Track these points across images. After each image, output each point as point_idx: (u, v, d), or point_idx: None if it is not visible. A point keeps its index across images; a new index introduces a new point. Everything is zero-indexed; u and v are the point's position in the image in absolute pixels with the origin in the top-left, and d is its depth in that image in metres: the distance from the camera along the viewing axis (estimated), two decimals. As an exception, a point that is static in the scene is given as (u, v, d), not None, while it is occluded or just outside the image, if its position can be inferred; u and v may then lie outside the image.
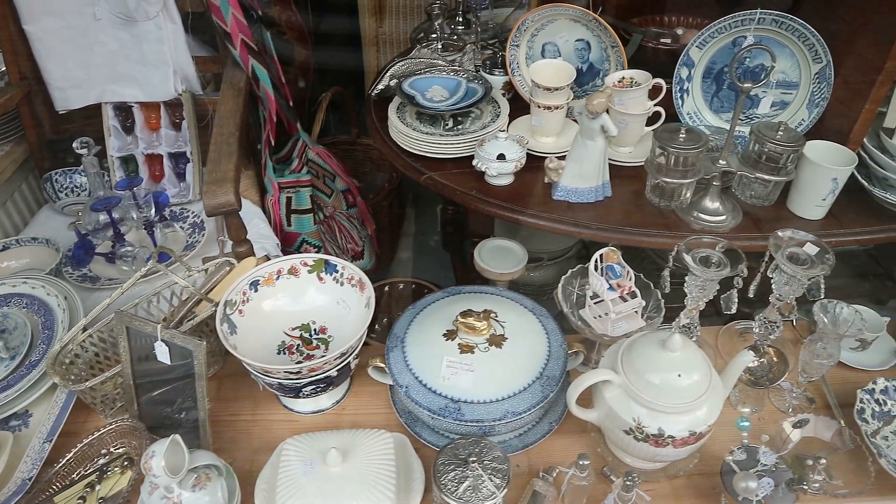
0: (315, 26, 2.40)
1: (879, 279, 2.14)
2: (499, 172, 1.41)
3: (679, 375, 1.00)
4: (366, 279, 1.19)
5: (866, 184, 1.39)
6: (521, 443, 1.14)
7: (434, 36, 1.84)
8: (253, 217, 1.67)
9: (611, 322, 1.19)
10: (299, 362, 1.20)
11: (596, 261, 1.20)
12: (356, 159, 2.25)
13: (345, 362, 1.12)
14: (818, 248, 1.16)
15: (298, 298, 1.23)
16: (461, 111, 1.52)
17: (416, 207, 2.45)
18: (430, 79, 1.59)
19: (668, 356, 1.01)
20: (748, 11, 1.39)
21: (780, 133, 1.32)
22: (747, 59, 1.45)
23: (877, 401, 1.19)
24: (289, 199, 1.69)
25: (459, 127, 1.53)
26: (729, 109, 1.52)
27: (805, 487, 1.00)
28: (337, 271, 1.23)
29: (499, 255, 1.63)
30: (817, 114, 1.45)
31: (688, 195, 1.38)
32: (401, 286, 1.88)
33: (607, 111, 1.29)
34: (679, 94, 1.50)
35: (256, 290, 1.20)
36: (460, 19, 1.94)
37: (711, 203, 1.38)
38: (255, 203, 1.71)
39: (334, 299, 1.23)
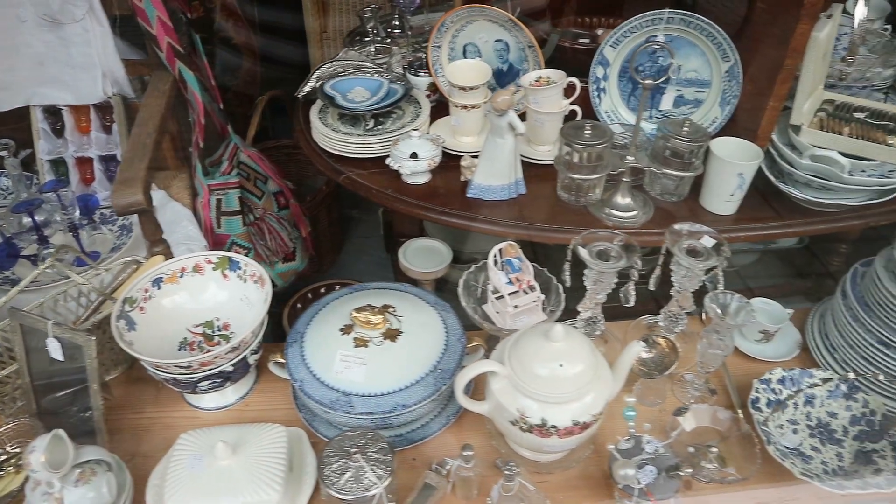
0: (261, 27, 2.41)
1: (820, 278, 2.15)
2: (413, 171, 1.43)
3: (561, 366, 1.01)
4: (266, 275, 1.20)
5: (773, 179, 1.41)
6: (418, 436, 1.15)
7: (368, 39, 1.86)
8: (182, 219, 1.67)
9: (509, 316, 1.20)
10: (202, 359, 1.21)
11: (495, 256, 1.21)
12: (299, 163, 2.27)
13: (239, 357, 1.12)
14: (715, 241, 1.18)
15: (202, 295, 1.24)
16: (382, 111, 1.54)
17: (361, 210, 2.47)
18: (352, 80, 1.61)
19: (551, 347, 1.02)
20: (657, 11, 1.42)
21: (686, 129, 1.33)
22: (660, 58, 1.47)
23: (773, 390, 1.20)
24: (219, 201, 1.69)
25: (380, 127, 1.54)
26: (645, 108, 1.53)
27: (690, 473, 1.00)
28: (240, 268, 1.24)
29: (425, 256, 1.64)
30: (729, 111, 1.47)
31: (598, 191, 1.40)
32: (337, 287, 1.88)
33: (522, 113, 1.31)
34: (596, 93, 1.52)
35: (159, 288, 1.21)
36: (396, 22, 1.95)
37: (622, 199, 1.40)
38: (187, 205, 1.72)
39: (237, 296, 1.24)
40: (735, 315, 1.13)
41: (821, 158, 1.36)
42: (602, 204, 1.40)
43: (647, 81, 1.27)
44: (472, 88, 1.46)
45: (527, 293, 1.21)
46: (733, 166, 1.35)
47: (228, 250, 1.73)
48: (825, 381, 1.21)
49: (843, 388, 1.21)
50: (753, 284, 2.16)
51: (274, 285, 1.82)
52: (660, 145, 1.36)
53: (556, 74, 1.47)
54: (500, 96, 1.29)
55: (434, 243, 1.65)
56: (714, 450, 1.10)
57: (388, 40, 1.87)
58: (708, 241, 1.18)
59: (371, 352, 1.12)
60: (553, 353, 1.01)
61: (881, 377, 1.16)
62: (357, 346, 1.13)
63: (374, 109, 1.51)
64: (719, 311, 1.13)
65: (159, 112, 1.53)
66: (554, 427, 1.01)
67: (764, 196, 1.45)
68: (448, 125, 1.57)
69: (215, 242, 1.72)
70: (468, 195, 1.43)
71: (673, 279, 1.20)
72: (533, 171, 1.48)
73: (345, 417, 1.08)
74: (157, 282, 1.21)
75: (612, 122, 1.53)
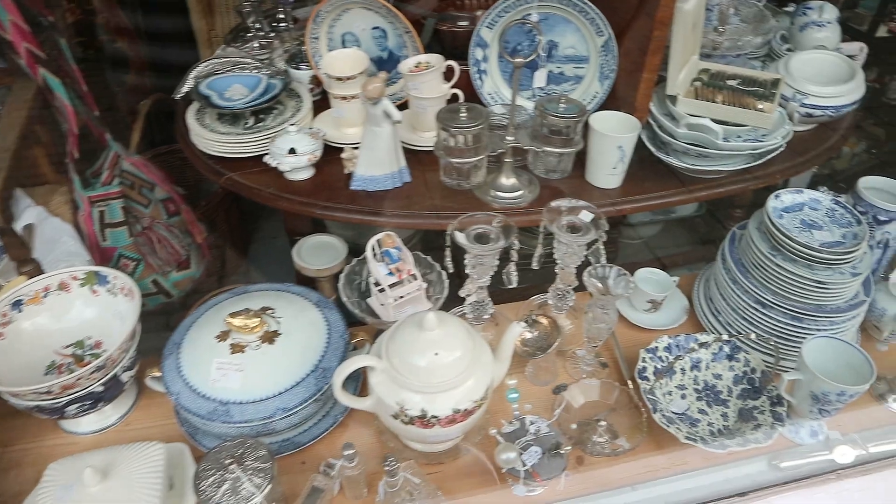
0: (147, 30, 2.31)
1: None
2: (293, 167, 1.38)
3: (437, 354, 0.99)
4: (135, 288, 1.15)
5: (654, 150, 1.43)
6: (305, 438, 1.12)
7: (250, 35, 1.80)
8: (62, 235, 1.59)
9: (392, 307, 1.18)
10: (74, 381, 1.14)
11: (373, 247, 1.19)
12: (194, 167, 2.18)
13: (108, 376, 1.07)
14: (593, 215, 1.18)
15: (69, 314, 1.17)
16: (261, 108, 1.49)
17: (267, 210, 2.40)
18: (230, 78, 1.55)
19: (426, 336, 1.00)
20: (530, -11, 1.41)
21: (563, 106, 1.33)
22: (537, 36, 1.47)
23: (660, 358, 1.22)
24: (101, 213, 1.61)
25: (260, 125, 1.49)
26: (528, 87, 1.53)
27: (582, 448, 1.00)
28: (109, 282, 1.18)
29: (320, 252, 1.60)
30: (608, 86, 1.48)
31: (481, 174, 1.39)
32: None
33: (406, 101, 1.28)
34: (477, 75, 1.51)
35: (20, 311, 1.14)
36: (282, 16, 1.90)
37: (507, 180, 1.39)
38: (70, 221, 1.64)
39: (109, 312, 1.18)
40: (615, 287, 1.14)
41: (696, 127, 1.38)
42: (487, 186, 1.39)
43: (517, 60, 1.26)
44: (349, 78, 1.42)
45: (409, 282, 1.19)
46: (612, 139, 1.35)
47: (116, 263, 1.66)
48: (709, 344, 1.23)
49: (726, 349, 1.23)
50: (661, 254, 2.20)
51: (170, 295, 1.77)
52: (538, 123, 1.35)
53: (434, 59, 1.45)
54: (370, 84, 1.26)
55: (329, 239, 1.61)
56: (603, 423, 1.11)
57: (273, 35, 1.82)
58: (586, 216, 1.18)
59: (248, 357, 1.08)
60: (428, 342, 1.00)
61: (753, 336, 1.18)
62: (234, 352, 1.08)
63: (251, 106, 1.46)
64: (599, 285, 1.14)
65: (20, 123, 1.44)
66: (435, 417, 0.99)
67: (648, 167, 1.46)
68: (332, 118, 1.53)
69: (101, 257, 1.64)
70: (352, 187, 1.40)
71: (555, 256, 1.20)
72: (418, 158, 1.45)
73: (224, 427, 1.04)
74: (17, 304, 1.13)
75: (496, 104, 1.52)
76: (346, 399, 1.04)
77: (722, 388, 1.22)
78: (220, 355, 1.08)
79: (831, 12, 1.76)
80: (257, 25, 1.81)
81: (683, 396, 1.21)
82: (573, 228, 1.18)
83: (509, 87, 1.54)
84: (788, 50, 1.82)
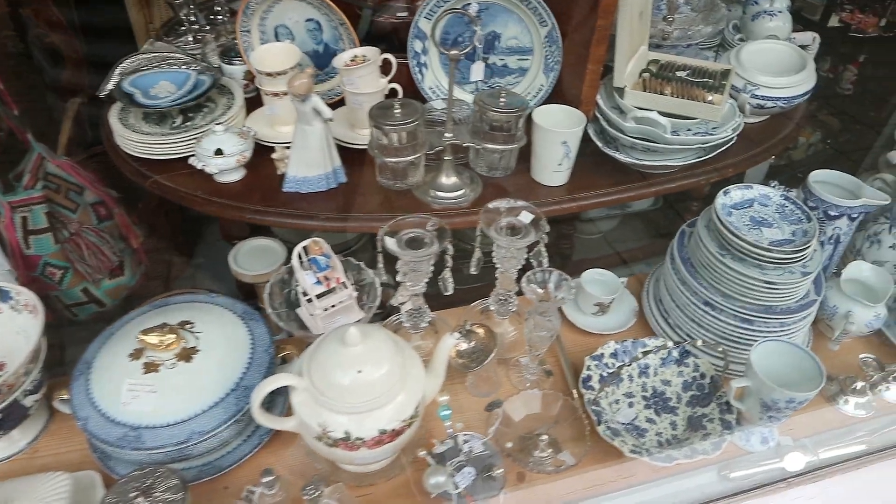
0: (82, 25, 2.19)
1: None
2: (220, 169, 1.30)
3: (360, 371, 0.92)
4: (38, 304, 1.06)
5: (601, 145, 1.37)
6: (228, 461, 1.04)
7: (184, 28, 1.71)
8: (-19, 244, 1.49)
9: (320, 318, 1.11)
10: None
11: (299, 255, 1.11)
12: (134, 167, 2.09)
13: (7, 401, 0.98)
14: (533, 216, 1.12)
15: (-31, 334, 1.08)
16: (189, 106, 1.40)
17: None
18: (157, 74, 1.46)
19: (348, 352, 0.93)
20: (468, -23, 1.34)
21: (503, 100, 1.27)
22: (478, 28, 1.40)
23: (606, 365, 1.16)
24: (24, 220, 1.51)
25: (188, 124, 1.40)
26: (471, 81, 1.46)
27: (524, 465, 0.94)
28: (12, 298, 1.09)
29: (258, 257, 1.52)
30: (554, 78, 1.42)
31: (419, 173, 1.32)
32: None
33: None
34: (417, 69, 1.44)
35: (-87, 332, 1.05)
36: (218, 8, 1.80)
37: (447, 179, 1.32)
38: (-10, 228, 1.54)
39: (13, 330, 1.09)
40: (556, 292, 1.08)
41: (643, 120, 1.33)
42: (426, 186, 1.32)
43: (452, 52, 1.19)
44: (279, 73, 1.34)
45: (339, 291, 1.12)
46: (556, 135, 1.29)
47: (42, 272, 1.57)
48: (657, 349, 1.18)
49: (675, 354, 1.18)
50: (620, 248, 2.15)
51: (102, 304, 1.67)
52: (478, 119, 1.29)
53: (371, 52, 1.38)
54: (296, 80, 1.18)
55: (268, 243, 1.54)
56: (544, 437, 1.05)
57: (208, 28, 1.73)
58: (526, 217, 1.12)
59: (162, 377, 1.00)
60: (351, 359, 0.93)
61: (699, 342, 1.13)
62: (147, 371, 1.00)
63: (177, 104, 1.37)
64: (539, 290, 1.08)
65: (-75, 126, 1.33)
66: (360, 439, 0.92)
67: (597, 162, 1.41)
68: (265, 115, 1.45)
69: (26, 265, 1.54)
70: (284, 189, 1.32)
71: (494, 260, 1.14)
72: (357, 157, 1.38)
73: (135, 454, 0.96)
74: (-89, 324, 1.04)
75: (437, 98, 1.45)
76: (267, 420, 0.97)
77: (671, 394, 1.17)
78: (132, 376, 1.00)
79: (782, 1, 1.72)
80: (192, 18, 1.72)
81: (631, 405, 1.15)
82: (514, 230, 1.12)
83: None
84: (741, 40, 1.77)
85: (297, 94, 1.19)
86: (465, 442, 0.97)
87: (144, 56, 1.52)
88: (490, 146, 1.28)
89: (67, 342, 1.46)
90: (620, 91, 1.37)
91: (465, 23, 1.39)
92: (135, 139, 1.36)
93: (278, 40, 1.47)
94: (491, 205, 1.12)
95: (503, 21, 1.38)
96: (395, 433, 0.94)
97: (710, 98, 1.36)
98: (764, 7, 1.72)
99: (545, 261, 1.14)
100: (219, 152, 1.29)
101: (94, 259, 1.59)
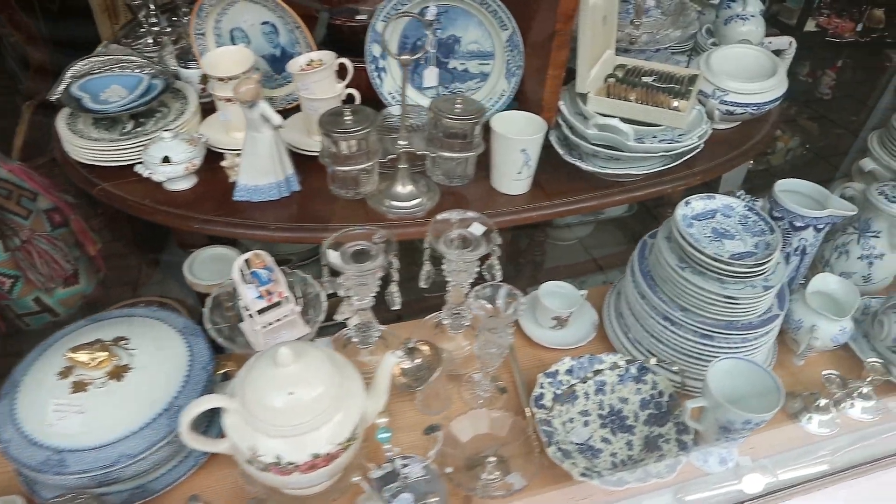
0: (49, 31, 2.16)
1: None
2: (168, 177, 1.26)
3: (291, 393, 0.88)
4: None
5: (562, 152, 1.33)
6: (160, 485, 1.00)
7: (143, 30, 1.67)
8: (-72, 252, 1.45)
9: (262, 334, 1.07)
10: None
11: (240, 268, 1.07)
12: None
13: (-74, 423, 0.94)
14: (485, 228, 1.08)
15: None
16: (140, 111, 1.36)
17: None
18: (108, 78, 1.42)
19: (280, 372, 0.89)
20: (426, -21, 1.30)
21: (459, 107, 1.23)
22: (438, 31, 1.36)
23: (560, 382, 1.12)
24: (-28, 227, 1.48)
25: (139, 129, 1.36)
26: (431, 86, 1.42)
27: (469, 489, 0.90)
28: (-60, 313, 1.05)
29: (215, 266, 1.47)
30: (515, 83, 1.38)
31: (373, 182, 1.28)
32: (142, 305, 1.70)
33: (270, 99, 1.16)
34: (376, 74, 1.40)
35: None
36: (180, 11, 1.76)
37: (403, 187, 1.28)
38: (-60, 235, 1.49)
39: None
40: (506, 308, 1.04)
41: (605, 127, 1.29)
42: (381, 195, 1.28)
43: (403, 57, 1.15)
44: (231, 78, 1.30)
45: (281, 306, 1.08)
46: (515, 142, 1.25)
47: (-9, 282, 1.53)
48: (614, 365, 1.14)
49: (633, 370, 1.14)
50: (596, 255, 2.12)
51: (56, 314, 1.63)
52: (433, 125, 1.25)
53: (327, 56, 1.33)
54: (243, 85, 1.14)
55: (224, 251, 1.49)
56: (492, 459, 1.01)
57: (169, 30, 1.69)
58: (477, 229, 1.08)
59: (91, 396, 0.95)
60: (282, 380, 0.88)
61: (653, 361, 1.09)
62: (75, 391, 0.96)
63: (125, 109, 1.33)
64: (489, 306, 1.04)
65: None
66: (291, 464, 0.88)
67: (561, 170, 1.37)
68: (219, 121, 1.40)
69: (-25, 274, 1.50)
70: (234, 198, 1.28)
71: (444, 274, 1.10)
72: (312, 164, 1.33)
73: (58, 479, 0.92)
74: None
75: (397, 104, 1.40)
76: (197, 443, 0.93)
77: (629, 413, 1.13)
78: (59, 395, 0.96)
79: (755, 5, 1.68)
80: (152, 20, 1.68)
81: (586, 424, 1.11)
82: (465, 242, 1.08)
83: (412, 85, 1.43)
84: (714, 44, 1.74)
85: (244, 99, 1.14)
86: (405, 466, 0.93)
87: (98, 59, 1.48)
88: (445, 154, 1.24)
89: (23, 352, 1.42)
90: (584, 97, 1.33)
91: (426, 26, 1.35)
92: (82, 145, 1.32)
93: (234, 44, 1.43)
94: (440, 216, 1.08)
95: (463, 25, 1.34)
96: (331, 457, 0.90)
97: (675, 104, 1.32)
98: (737, 11, 1.68)
99: (498, 274, 1.11)
100: (166, 160, 1.24)
101: (45, 267, 1.55)
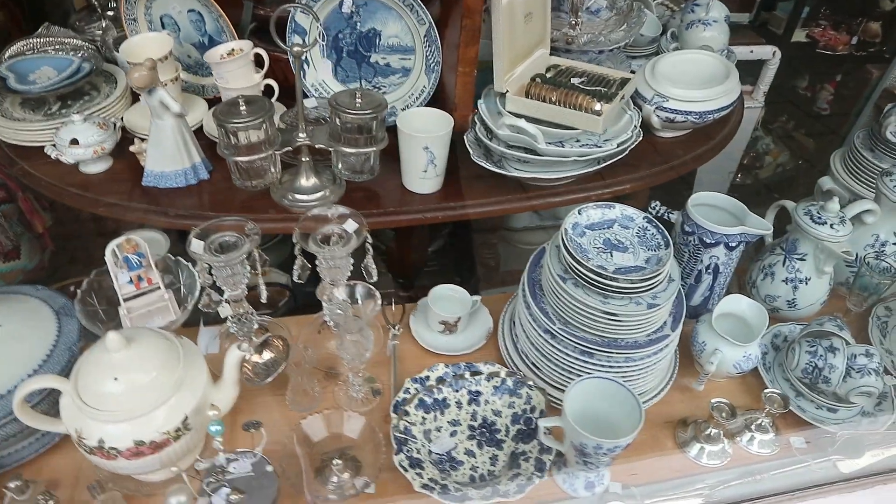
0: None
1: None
2: (77, 159, 1.27)
3: (116, 379, 0.87)
4: None
5: (471, 153, 1.29)
6: (10, 461, 1.01)
7: (98, 14, 1.70)
8: None
9: (130, 319, 1.07)
10: None
11: (113, 252, 1.07)
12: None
13: None
14: (357, 225, 1.05)
15: None
16: (68, 93, 1.38)
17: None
18: (40, 59, 1.44)
19: (108, 358, 0.88)
20: (344, -29, 1.28)
21: (360, 101, 1.20)
22: (358, 24, 1.33)
23: (429, 389, 1.08)
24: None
25: (65, 111, 1.38)
26: (354, 79, 1.40)
27: (236, 497, 0.87)
28: None
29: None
30: (435, 79, 1.34)
31: (272, 175, 1.26)
32: (73, 286, 1.73)
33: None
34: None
35: None
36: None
37: (307, 181, 1.26)
38: None
39: None
40: (365, 308, 1.01)
41: (515, 128, 1.24)
42: (285, 188, 1.27)
43: (294, 48, 1.13)
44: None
45: (152, 293, 1.07)
46: (418, 140, 1.22)
47: (-67, 255, 1.58)
48: (492, 376, 1.10)
49: (510, 382, 1.10)
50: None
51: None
52: (333, 120, 1.22)
53: (245, 46, 1.33)
54: (135, 72, 1.14)
55: (152, 234, 1.50)
56: (338, 462, 0.98)
57: (111, 14, 1.71)
58: (351, 226, 1.05)
59: (-55, 371, 0.97)
60: (110, 365, 0.88)
61: (513, 378, 1.04)
62: (-68, 365, 0.98)
63: (47, 91, 1.35)
64: (345, 303, 1.01)
65: None
66: (114, 449, 0.87)
67: (482, 171, 1.31)
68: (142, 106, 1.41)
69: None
70: (143, 183, 1.28)
71: (318, 271, 1.07)
72: (225, 153, 1.33)
73: None
74: None
75: (318, 96, 1.39)
76: (31, 419, 0.93)
77: (501, 426, 1.08)
78: (-85, 367, 0.98)
79: (719, 11, 1.60)
80: (112, 3, 1.70)
81: (454, 434, 1.07)
82: (340, 238, 1.06)
83: (335, 78, 1.41)
84: (676, 48, 1.66)
85: (136, 86, 1.15)
86: (232, 461, 0.91)
87: (37, 40, 1.51)
88: (345, 149, 1.22)
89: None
90: (502, 96, 1.29)
91: (346, 18, 1.33)
92: (4, 124, 1.34)
93: (165, 30, 1.43)
94: (315, 212, 1.05)
95: (382, 18, 1.31)
96: (157, 445, 0.89)
97: (597, 107, 1.26)
98: (699, 16, 1.60)
99: (374, 273, 1.08)
100: (74, 142, 1.25)
101: (-15, 242, 1.60)
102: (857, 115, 1.50)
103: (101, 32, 1.64)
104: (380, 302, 1.00)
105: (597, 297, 1.03)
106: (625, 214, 1.12)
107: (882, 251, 1.29)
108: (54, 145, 1.29)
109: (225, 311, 1.09)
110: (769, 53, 1.93)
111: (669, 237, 1.07)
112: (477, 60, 1.25)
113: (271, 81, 1.35)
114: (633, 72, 1.53)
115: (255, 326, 1.14)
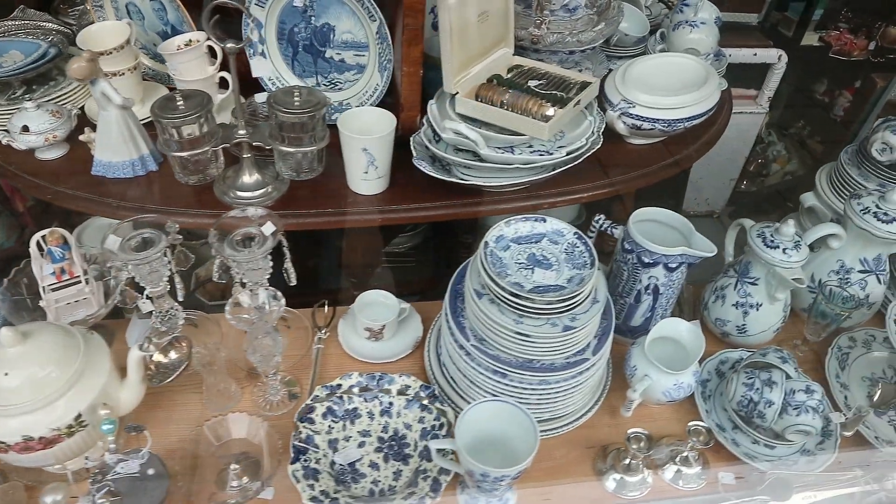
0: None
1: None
2: (29, 146, 1.29)
3: (6, 374, 0.89)
4: None
5: (414, 156, 1.25)
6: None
7: (80, -1, 1.72)
8: None
9: (52, 311, 1.08)
10: None
11: (38, 243, 1.09)
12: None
13: None
14: (275, 227, 1.04)
15: None
16: (32, 78, 1.40)
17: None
18: (9, 43, 1.47)
19: (4, 353, 0.90)
20: (296, -37, 1.25)
21: (298, 99, 1.18)
22: (312, 18, 1.31)
23: (341, 398, 1.07)
24: None
25: (29, 95, 1.40)
26: (311, 74, 1.38)
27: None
28: None
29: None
30: (387, 77, 1.31)
31: (213, 170, 1.25)
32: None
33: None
34: (255, 59, 1.36)
35: None
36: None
37: (249, 177, 1.25)
38: None
39: None
40: (270, 311, 1.00)
41: (458, 133, 1.20)
42: (227, 184, 1.26)
43: (228, 45, 1.11)
44: (106, 53, 1.31)
45: (74, 285, 1.08)
46: (356, 141, 1.19)
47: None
48: (405, 388, 1.08)
49: (423, 396, 1.07)
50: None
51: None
52: (273, 118, 1.20)
53: (199, 38, 1.32)
54: (74, 63, 1.14)
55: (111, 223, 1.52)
56: (235, 466, 0.98)
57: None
58: (269, 228, 1.04)
59: None
60: (3, 360, 0.89)
61: (433, 389, 1.01)
62: None
63: (10, 75, 1.37)
64: (250, 305, 1.00)
65: None
66: (3, 443, 0.89)
67: (424, 174, 1.29)
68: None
69: None
70: (92, 172, 1.29)
71: (233, 274, 1.06)
72: (178, 145, 1.33)
73: None
74: None
75: (275, 89, 1.37)
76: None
77: (410, 441, 1.06)
78: None
79: (709, 12, 1.51)
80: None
81: (362, 444, 1.05)
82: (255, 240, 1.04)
83: (293, 72, 1.39)
84: (663, 50, 1.58)
85: (75, 77, 1.15)
86: (122, 461, 0.92)
87: (11, 23, 1.53)
88: (283, 148, 1.20)
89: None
90: (453, 99, 1.25)
91: (300, 13, 1.31)
92: (-30, 108, 1.38)
93: (131, 18, 1.44)
94: (231, 214, 1.04)
95: (336, 13, 1.28)
96: (47, 441, 0.90)
97: (549, 112, 1.20)
98: (687, 17, 1.51)
99: (293, 277, 1.06)
100: (25, 129, 1.27)
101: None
102: (860, 128, 1.39)
103: (80, 17, 1.66)
104: (282, 305, 0.98)
105: (510, 316, 0.99)
106: (555, 229, 1.07)
107: (847, 279, 1.20)
108: (7, 131, 1.31)
109: (146, 307, 1.10)
110: (774, 57, 1.82)
111: (596, 255, 1.02)
112: (421, 60, 1.21)
113: (226, 74, 1.34)
114: (610, 70, 1.47)
115: (181, 322, 1.15)
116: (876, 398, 1.15)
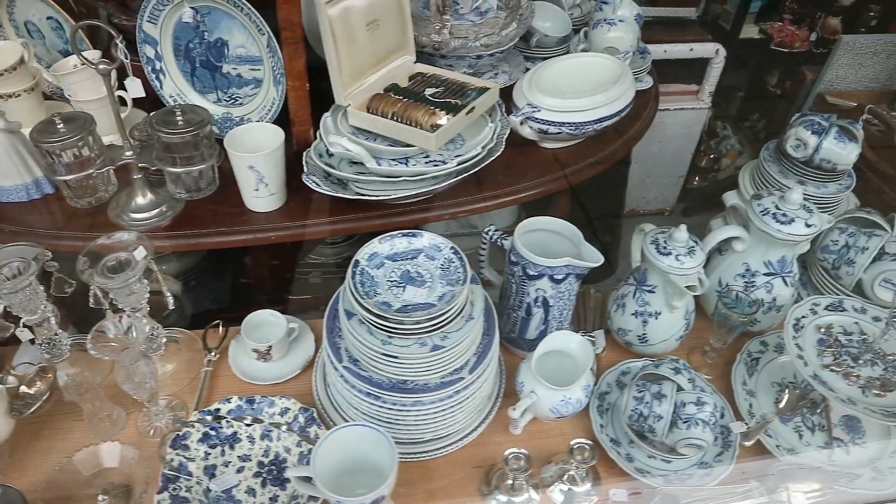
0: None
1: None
2: (-73, 172, 1.28)
3: None
4: None
5: (305, 170, 1.22)
6: None
7: None
8: None
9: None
10: None
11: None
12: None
13: None
14: (145, 252, 1.02)
15: None
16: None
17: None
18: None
19: None
20: (181, -22, 1.23)
21: (180, 118, 1.16)
22: (205, 34, 1.29)
23: (219, 423, 1.04)
24: None
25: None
26: (211, 90, 1.35)
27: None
28: None
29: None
30: (282, 91, 1.28)
31: (108, 192, 1.24)
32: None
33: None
34: (154, 76, 1.35)
35: None
36: None
37: (142, 198, 1.24)
38: None
39: None
40: (138, 337, 0.98)
41: (342, 147, 1.17)
42: (119, 206, 1.24)
43: (101, 67, 1.10)
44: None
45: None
46: (242, 159, 1.17)
47: None
48: (285, 411, 1.05)
49: (302, 419, 1.05)
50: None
51: None
52: (155, 138, 1.19)
53: (93, 57, 1.30)
54: (-52, 88, 1.13)
55: (26, 249, 1.51)
56: (103, 498, 0.96)
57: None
58: (140, 253, 1.02)
59: None
60: None
61: (312, 412, 0.99)
62: None
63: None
64: (116, 334, 0.98)
65: None
66: None
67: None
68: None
69: None
70: (-14, 196, 1.29)
71: (113, 298, 1.05)
72: (79, 167, 1.32)
73: None
74: None
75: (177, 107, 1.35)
76: None
77: (290, 465, 1.03)
78: None
79: (629, 9, 1.47)
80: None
81: (241, 470, 1.03)
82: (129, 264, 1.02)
83: (194, 88, 1.37)
84: (584, 50, 1.54)
85: (-51, 102, 1.14)
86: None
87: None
88: (170, 169, 1.18)
89: None
90: (344, 111, 1.22)
91: (193, 28, 1.28)
92: None
93: (31, 37, 1.43)
94: (101, 240, 1.02)
95: (227, 28, 1.26)
96: None
97: (441, 122, 1.17)
98: (606, 15, 1.47)
99: (170, 301, 1.05)
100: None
101: None
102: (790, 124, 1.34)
103: None
104: (154, 329, 0.97)
105: (379, 337, 0.96)
106: (433, 244, 1.04)
107: (752, 282, 1.16)
108: None
109: (24, 335, 1.09)
110: (712, 51, 1.77)
111: (469, 271, 0.99)
112: (306, 73, 1.18)
113: (123, 93, 1.32)
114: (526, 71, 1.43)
115: (67, 347, 1.13)
116: (782, 404, 1.10)
